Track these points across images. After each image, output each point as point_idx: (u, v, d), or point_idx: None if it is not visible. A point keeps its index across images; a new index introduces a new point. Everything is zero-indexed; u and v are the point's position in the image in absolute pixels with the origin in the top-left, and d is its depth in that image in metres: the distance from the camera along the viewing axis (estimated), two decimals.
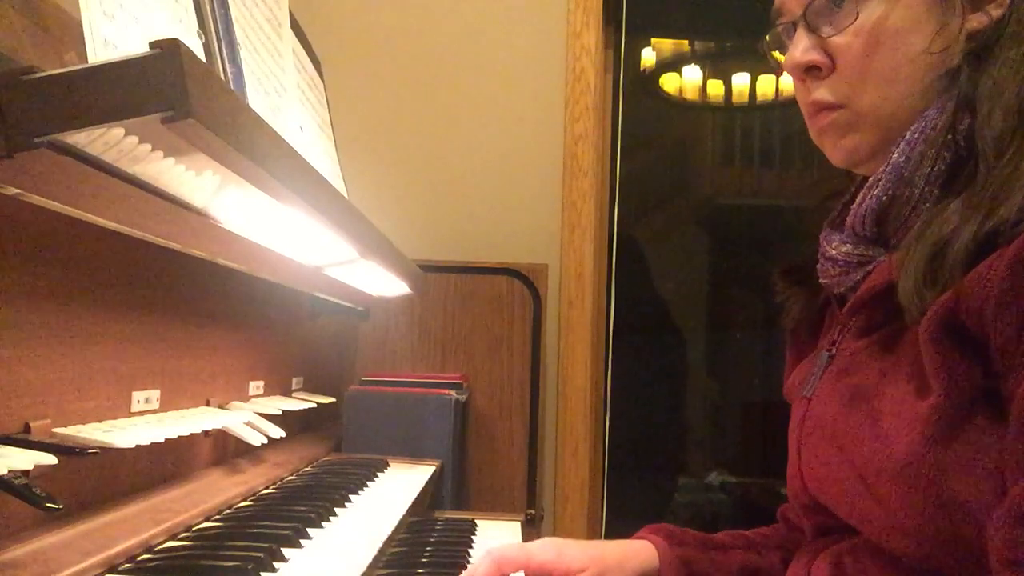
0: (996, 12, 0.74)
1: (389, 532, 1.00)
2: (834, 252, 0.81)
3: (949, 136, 0.73)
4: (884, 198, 0.76)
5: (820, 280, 0.85)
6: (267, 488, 1.15)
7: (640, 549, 0.95)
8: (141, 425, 0.85)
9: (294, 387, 1.50)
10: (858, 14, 0.76)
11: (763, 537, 1.03)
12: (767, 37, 0.87)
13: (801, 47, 0.79)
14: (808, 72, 0.80)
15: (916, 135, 0.74)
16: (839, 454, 0.74)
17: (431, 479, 1.42)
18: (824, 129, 0.81)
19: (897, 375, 0.71)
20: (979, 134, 0.70)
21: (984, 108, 0.70)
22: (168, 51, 0.50)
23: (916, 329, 0.67)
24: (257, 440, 1.11)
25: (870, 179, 0.78)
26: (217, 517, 0.95)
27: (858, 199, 0.79)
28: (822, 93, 0.79)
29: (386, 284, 1.44)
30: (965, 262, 0.64)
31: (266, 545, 0.81)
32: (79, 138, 0.54)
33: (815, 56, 0.79)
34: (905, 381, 0.69)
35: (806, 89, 0.81)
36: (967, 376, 0.64)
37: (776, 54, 0.88)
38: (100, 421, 0.82)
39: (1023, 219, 0.62)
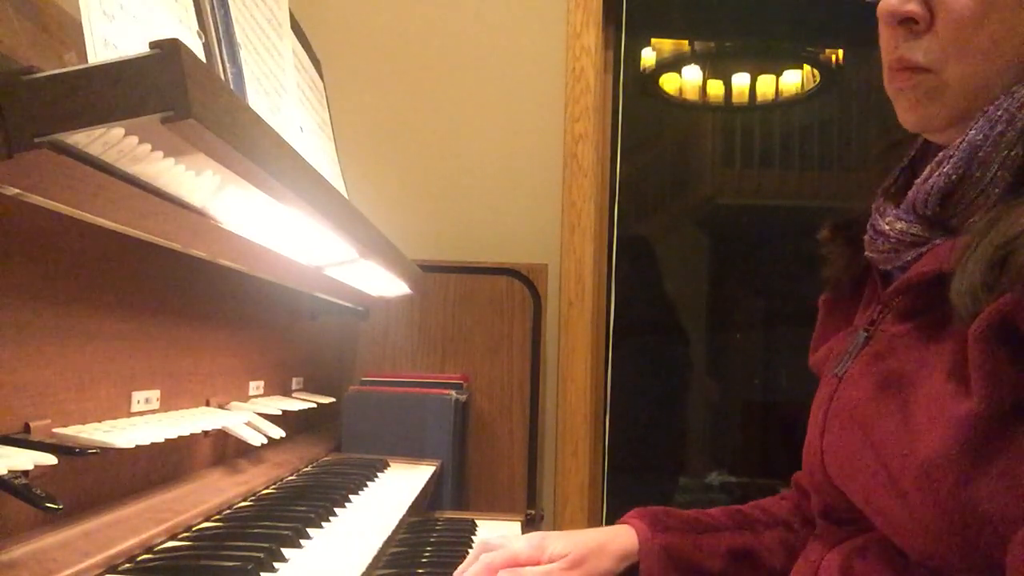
0: None
1: (389, 532, 1.00)
2: (887, 227, 0.76)
3: None
4: (954, 176, 0.70)
5: (866, 253, 0.80)
6: (267, 488, 1.15)
7: (621, 532, 0.94)
8: (141, 425, 0.85)
9: (294, 387, 1.50)
10: None
11: (764, 512, 0.99)
12: None
13: None
14: (902, 23, 0.72)
15: (999, 112, 0.68)
16: (864, 440, 0.71)
17: (431, 479, 1.42)
18: (903, 90, 0.74)
19: (936, 368, 0.67)
20: None
21: None
22: (168, 51, 0.50)
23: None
24: (257, 440, 1.11)
25: (940, 155, 0.72)
26: (217, 517, 0.95)
27: (923, 175, 0.73)
28: (912, 52, 0.72)
29: (386, 284, 1.44)
30: None
31: (266, 545, 0.81)
32: (79, 138, 0.54)
33: (915, 7, 0.71)
34: (943, 375, 0.65)
35: (894, 40, 0.73)
36: (1013, 384, 0.60)
37: None
38: (100, 421, 0.82)
39: None
